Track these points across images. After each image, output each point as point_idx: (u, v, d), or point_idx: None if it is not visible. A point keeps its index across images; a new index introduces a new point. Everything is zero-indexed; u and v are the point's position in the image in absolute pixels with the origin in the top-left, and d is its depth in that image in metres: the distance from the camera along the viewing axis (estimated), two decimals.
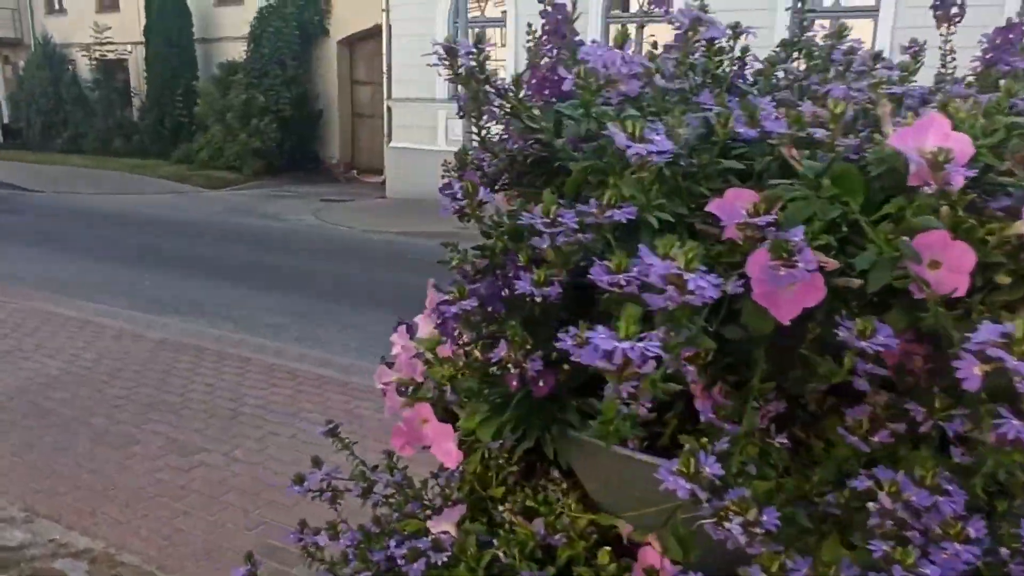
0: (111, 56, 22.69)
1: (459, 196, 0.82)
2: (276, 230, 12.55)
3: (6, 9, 25.02)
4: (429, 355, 1.16)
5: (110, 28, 22.39)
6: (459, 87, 0.86)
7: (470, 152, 1.00)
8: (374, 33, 18.68)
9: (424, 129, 16.24)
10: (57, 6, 25.07)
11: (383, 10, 16.47)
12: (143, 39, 21.44)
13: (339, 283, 8.83)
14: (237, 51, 19.87)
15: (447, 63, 0.81)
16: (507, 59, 15.53)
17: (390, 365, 1.34)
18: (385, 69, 16.67)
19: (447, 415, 1.13)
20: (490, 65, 0.85)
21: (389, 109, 16.67)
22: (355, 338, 6.52)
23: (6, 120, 24.78)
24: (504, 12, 15.57)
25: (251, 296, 8.01)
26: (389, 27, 16.43)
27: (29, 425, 4.39)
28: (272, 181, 18.54)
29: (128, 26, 22.58)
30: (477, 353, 0.95)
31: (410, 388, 1.14)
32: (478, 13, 15.70)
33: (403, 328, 1.24)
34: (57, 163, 20.77)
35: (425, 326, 1.25)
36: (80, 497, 3.64)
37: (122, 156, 21.08)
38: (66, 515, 3.49)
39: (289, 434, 4.42)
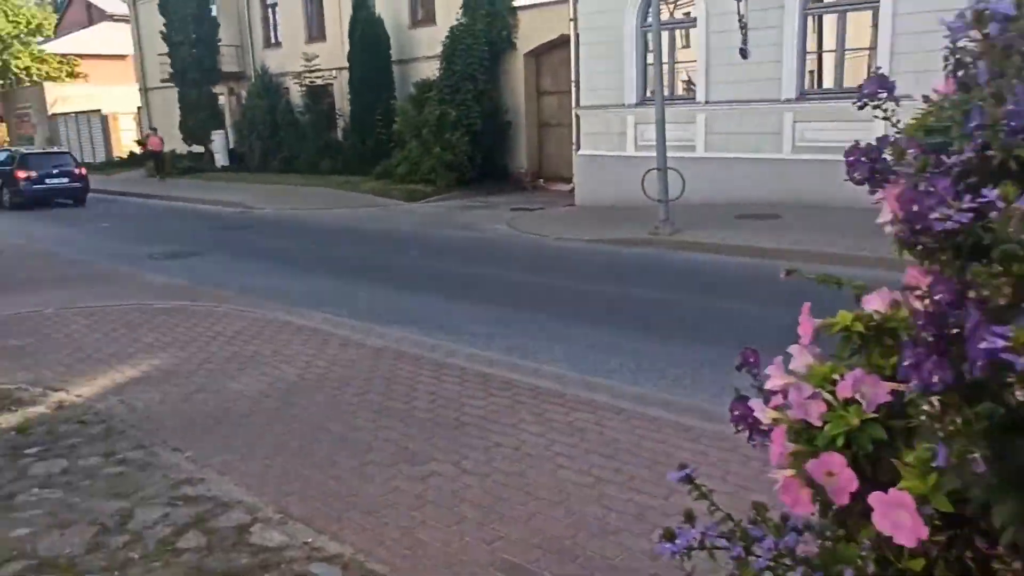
0: (319, 82, 24.42)
1: (966, 206, 0.62)
2: (473, 240, 12.86)
3: (232, 47, 27.68)
4: (828, 396, 0.96)
5: (318, 56, 24.13)
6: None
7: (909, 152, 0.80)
8: (560, 43, 18.77)
9: (613, 136, 16.07)
10: (273, 40, 27.39)
11: (570, 20, 16.48)
12: (346, 64, 22.89)
13: (539, 292, 8.84)
14: (431, 69, 20.73)
15: (972, 35, 0.62)
16: (697, 59, 15.05)
17: (743, 399, 1.16)
18: (573, 78, 16.66)
19: (855, 468, 0.93)
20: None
21: (577, 117, 16.65)
22: (563, 349, 6.45)
23: (232, 145, 27.35)
24: (687, 14, 15.13)
25: (457, 305, 8.19)
26: (577, 36, 16.40)
27: (276, 429, 4.66)
28: (464, 192, 19.11)
29: (333, 53, 24.22)
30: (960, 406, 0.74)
31: (809, 433, 0.95)
32: (666, 16, 15.30)
33: (779, 361, 1.05)
34: (274, 183, 22.63)
35: (802, 358, 1.05)
36: (327, 502, 3.78)
37: (329, 174, 22.61)
38: (316, 519, 3.62)
39: (513, 445, 4.37)
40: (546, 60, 20.60)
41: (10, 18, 37.50)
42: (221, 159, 26.23)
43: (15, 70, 36.98)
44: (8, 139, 42.54)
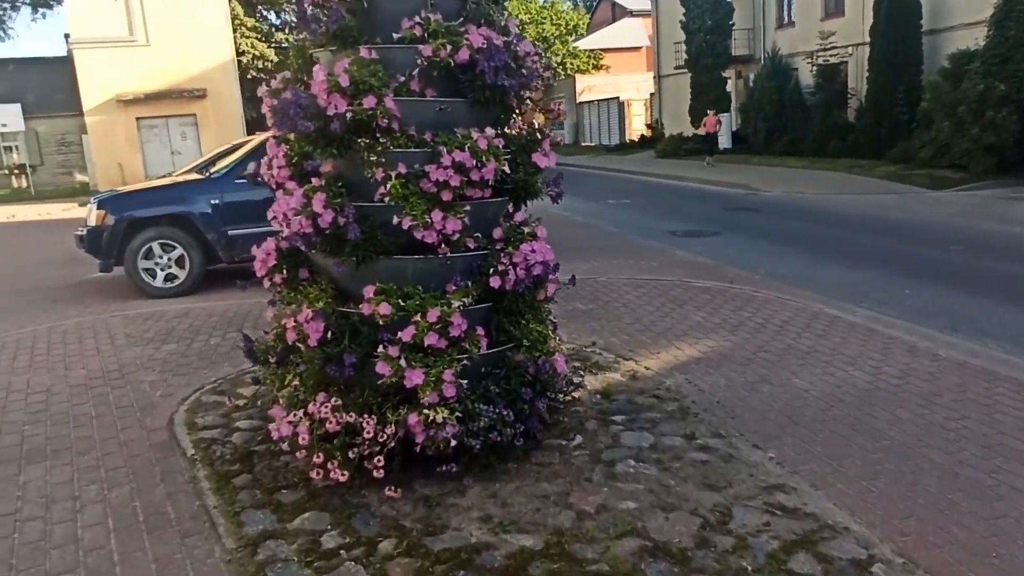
0: (832, 60, 22.69)
1: None
2: None
3: (743, 30, 27.37)
4: None
5: (834, 33, 22.38)
6: None
7: None
8: None
9: None
10: (786, 20, 26.32)
11: None
12: (865, 39, 20.82)
13: None
14: (971, 38, 17.62)
15: None
16: None
17: None
18: None
19: None
20: None
21: None
22: None
23: (735, 127, 27.17)
24: None
25: None
26: None
27: (863, 445, 3.98)
28: (1005, 180, 15.89)
29: (851, 29, 22.25)
30: None
31: None
32: None
33: None
34: (776, 165, 21.77)
35: None
36: (959, 557, 2.99)
37: (835, 157, 20.91)
38: None
39: None
40: None
41: (554, 22, 42.82)
42: (724, 141, 26.21)
43: (554, 65, 42.20)
44: None
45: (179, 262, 8.59)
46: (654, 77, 34.25)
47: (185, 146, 26.64)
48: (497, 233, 3.72)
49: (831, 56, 22.57)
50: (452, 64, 3.49)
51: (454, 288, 3.57)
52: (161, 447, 4.11)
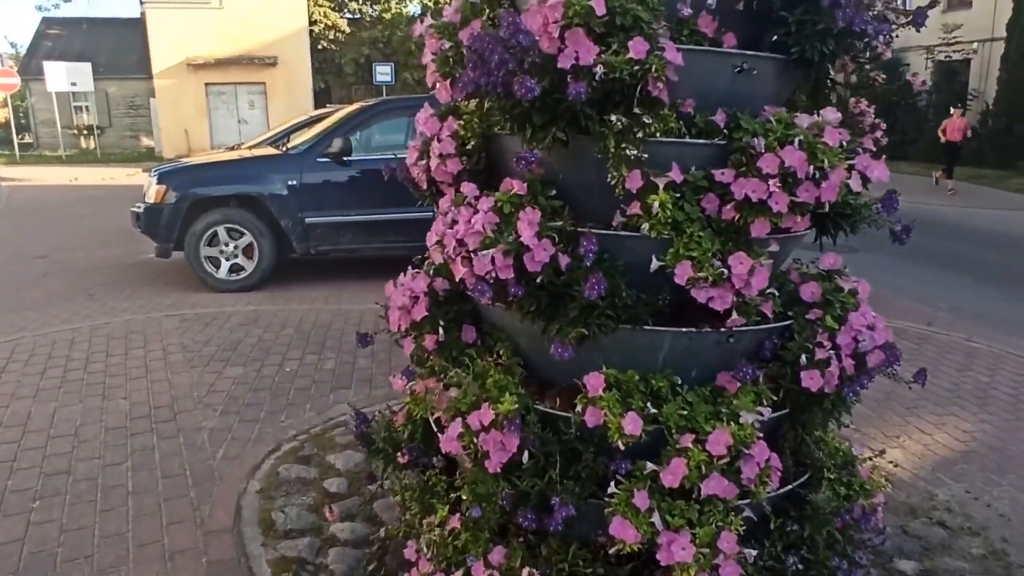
0: (955, 56, 20.45)
1: None
2: None
3: None
4: None
5: (960, 26, 20.14)
6: None
7: None
8: None
9: None
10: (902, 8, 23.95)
11: None
12: (997, 34, 18.57)
13: None
14: None
15: None
16: None
17: None
18: None
19: None
20: None
21: None
22: None
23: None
24: None
25: None
26: None
27: None
28: None
29: (978, 22, 19.98)
30: None
31: None
32: None
33: None
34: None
35: None
36: None
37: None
38: None
39: None
40: None
41: None
42: None
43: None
44: None
45: (247, 251, 7.24)
46: None
47: (252, 115, 25.58)
48: (809, 292, 2.17)
49: (953, 52, 20.32)
50: None
51: (737, 385, 2.04)
52: (224, 572, 2.69)
